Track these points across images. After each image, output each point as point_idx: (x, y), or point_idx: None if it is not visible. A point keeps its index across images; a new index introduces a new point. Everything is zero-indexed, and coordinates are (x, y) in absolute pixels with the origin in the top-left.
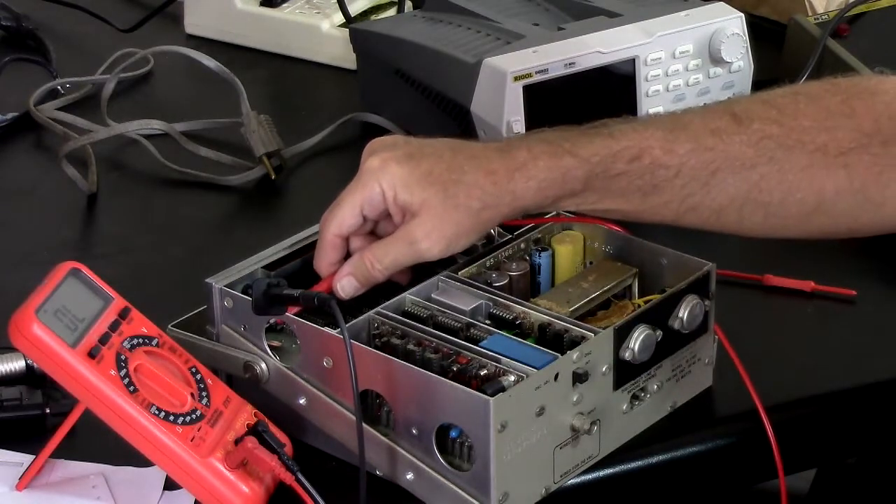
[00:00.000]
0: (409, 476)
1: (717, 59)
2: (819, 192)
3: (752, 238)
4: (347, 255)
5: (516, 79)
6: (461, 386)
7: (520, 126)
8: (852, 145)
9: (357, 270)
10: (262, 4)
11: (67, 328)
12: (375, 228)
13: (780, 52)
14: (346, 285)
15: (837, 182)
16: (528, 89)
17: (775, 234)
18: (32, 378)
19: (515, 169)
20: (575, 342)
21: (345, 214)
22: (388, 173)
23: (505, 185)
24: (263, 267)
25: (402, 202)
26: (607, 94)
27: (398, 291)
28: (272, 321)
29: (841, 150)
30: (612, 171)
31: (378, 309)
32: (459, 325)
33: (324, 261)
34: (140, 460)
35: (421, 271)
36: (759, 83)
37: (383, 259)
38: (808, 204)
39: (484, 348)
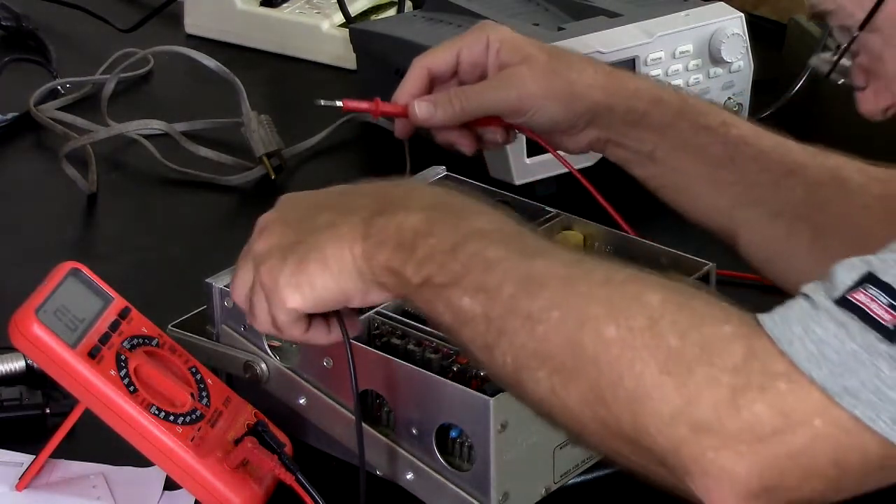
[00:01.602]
0: (409, 476)
1: (717, 59)
2: None
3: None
4: None
5: None
6: (461, 386)
7: None
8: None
9: (439, 98)
10: (262, 4)
11: (67, 328)
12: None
13: (780, 52)
14: (423, 107)
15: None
16: None
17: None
18: (32, 378)
19: (617, 70)
20: None
21: (440, 51)
22: (499, 30)
23: (605, 75)
24: None
25: (504, 58)
26: None
27: None
28: None
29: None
30: (702, 121)
31: (378, 309)
32: None
33: (404, 89)
34: (140, 460)
35: None
36: (759, 83)
37: (470, 93)
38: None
39: None
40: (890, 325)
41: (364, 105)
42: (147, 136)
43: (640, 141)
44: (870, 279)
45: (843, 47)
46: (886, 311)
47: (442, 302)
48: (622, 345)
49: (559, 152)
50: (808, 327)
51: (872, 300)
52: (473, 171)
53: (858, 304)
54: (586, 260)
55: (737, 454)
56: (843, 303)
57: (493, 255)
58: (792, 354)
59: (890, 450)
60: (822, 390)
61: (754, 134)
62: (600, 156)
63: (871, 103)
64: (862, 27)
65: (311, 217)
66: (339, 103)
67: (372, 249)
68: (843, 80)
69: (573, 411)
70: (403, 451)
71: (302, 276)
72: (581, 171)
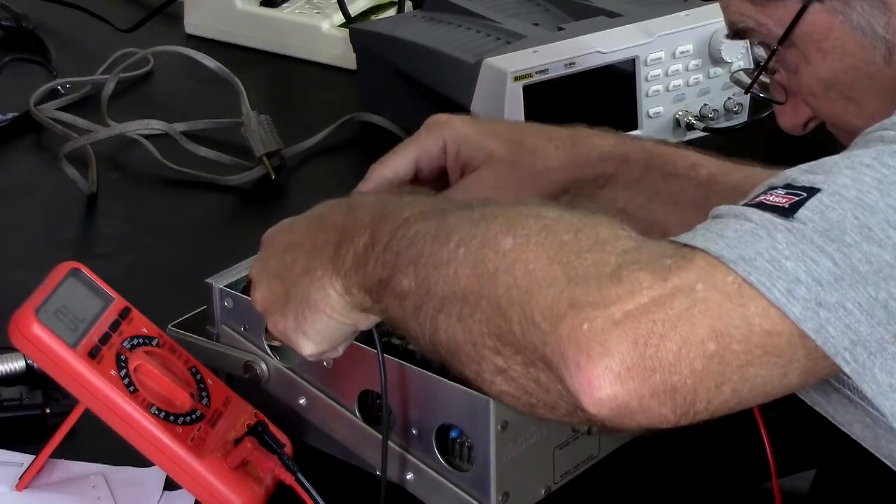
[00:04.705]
0: (409, 476)
1: (717, 59)
2: None
3: None
4: None
5: (516, 79)
6: (461, 386)
7: None
8: None
9: None
10: (262, 4)
11: (68, 328)
12: None
13: None
14: None
15: None
16: (528, 89)
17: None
18: (32, 378)
19: (579, 137)
20: None
21: (397, 159)
22: (452, 128)
23: (567, 149)
24: None
25: (465, 157)
26: (607, 94)
27: None
28: None
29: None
30: (670, 169)
31: None
32: None
33: None
34: (140, 460)
35: None
36: None
37: None
38: None
39: None
40: (786, 205)
41: None
42: (147, 136)
43: (610, 200)
44: (771, 187)
45: (762, 63)
46: (783, 197)
47: (389, 296)
48: (518, 251)
49: None
50: (709, 227)
51: (771, 195)
52: None
53: (757, 199)
54: (503, 204)
55: (611, 321)
56: (745, 204)
57: (415, 231)
58: (687, 241)
59: (776, 324)
60: (710, 257)
61: (723, 170)
62: None
63: (790, 118)
64: (780, 43)
65: (289, 263)
66: None
67: (346, 283)
68: (762, 95)
69: (473, 334)
70: (403, 451)
71: (304, 324)
72: None
